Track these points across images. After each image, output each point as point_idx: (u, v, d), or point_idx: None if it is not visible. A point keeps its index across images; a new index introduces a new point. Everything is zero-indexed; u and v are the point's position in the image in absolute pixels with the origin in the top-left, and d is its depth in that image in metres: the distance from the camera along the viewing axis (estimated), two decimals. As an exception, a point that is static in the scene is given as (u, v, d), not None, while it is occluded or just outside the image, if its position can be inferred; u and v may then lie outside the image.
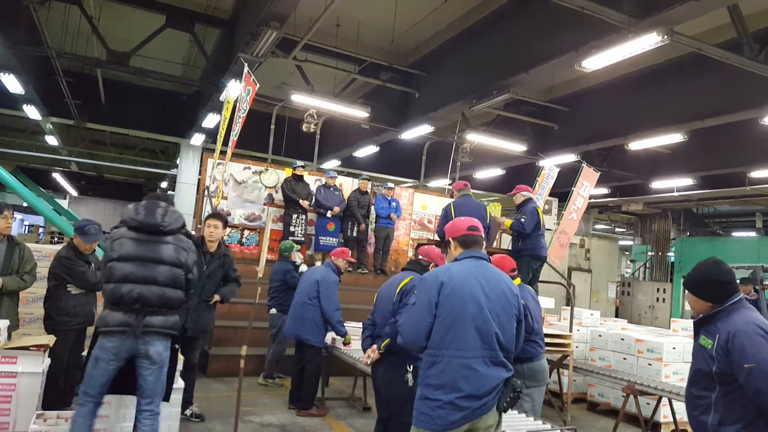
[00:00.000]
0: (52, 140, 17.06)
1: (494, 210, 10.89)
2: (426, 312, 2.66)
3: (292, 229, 8.65)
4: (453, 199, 6.33)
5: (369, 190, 9.63)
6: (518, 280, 4.29)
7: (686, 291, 2.72)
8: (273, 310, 6.63)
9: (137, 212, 3.32)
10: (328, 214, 8.94)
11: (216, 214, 5.29)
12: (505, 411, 2.64)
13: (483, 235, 2.85)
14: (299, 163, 9.07)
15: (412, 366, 3.44)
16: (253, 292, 4.75)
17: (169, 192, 23.09)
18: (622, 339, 6.95)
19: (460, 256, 2.81)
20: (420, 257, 3.97)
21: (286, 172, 9.31)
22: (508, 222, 6.33)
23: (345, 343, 5.79)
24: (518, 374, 3.15)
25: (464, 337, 2.58)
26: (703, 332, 2.62)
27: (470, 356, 2.57)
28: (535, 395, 4.22)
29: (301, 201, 8.86)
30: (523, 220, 6.13)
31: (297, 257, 6.91)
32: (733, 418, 2.47)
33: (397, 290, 3.78)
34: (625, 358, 6.82)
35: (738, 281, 2.78)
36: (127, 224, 3.32)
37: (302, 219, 8.81)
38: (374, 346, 3.63)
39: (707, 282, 2.63)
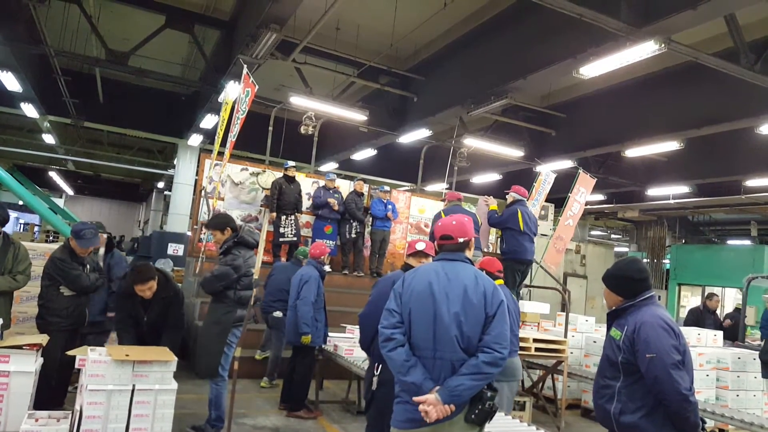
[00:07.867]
0: (49, 139, 17.02)
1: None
2: (387, 306, 2.64)
3: (281, 230, 8.60)
4: (444, 207, 6.42)
5: (366, 192, 9.62)
6: (500, 281, 4.38)
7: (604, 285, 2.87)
8: (278, 313, 6.49)
9: (254, 234, 4.45)
10: (330, 201, 8.94)
11: (143, 278, 4.33)
12: (476, 424, 2.47)
13: (462, 241, 2.68)
14: (291, 163, 8.95)
15: (379, 368, 3.29)
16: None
17: (166, 192, 23.06)
18: (617, 345, 6.94)
19: (435, 258, 2.79)
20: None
21: (284, 175, 9.28)
22: (492, 206, 6.67)
23: (304, 342, 5.67)
24: None
25: (423, 336, 2.52)
26: (615, 324, 2.77)
27: (428, 356, 2.49)
28: (504, 389, 4.31)
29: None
30: (497, 215, 6.54)
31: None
32: (633, 407, 2.59)
33: None
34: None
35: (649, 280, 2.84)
36: (249, 244, 4.44)
37: (291, 220, 8.74)
38: None
39: (621, 277, 2.77)
